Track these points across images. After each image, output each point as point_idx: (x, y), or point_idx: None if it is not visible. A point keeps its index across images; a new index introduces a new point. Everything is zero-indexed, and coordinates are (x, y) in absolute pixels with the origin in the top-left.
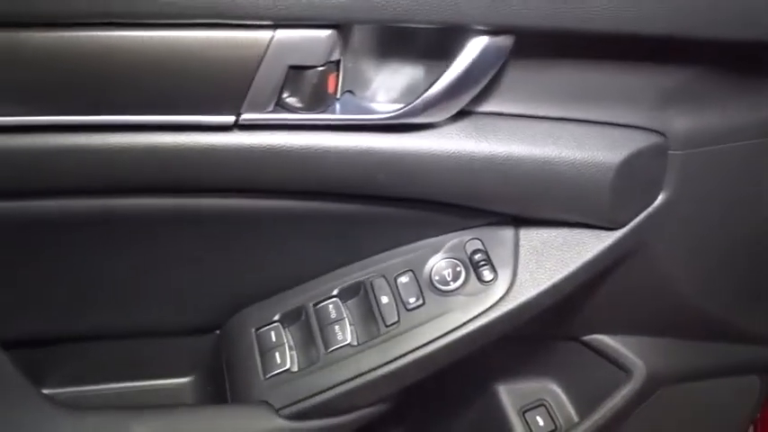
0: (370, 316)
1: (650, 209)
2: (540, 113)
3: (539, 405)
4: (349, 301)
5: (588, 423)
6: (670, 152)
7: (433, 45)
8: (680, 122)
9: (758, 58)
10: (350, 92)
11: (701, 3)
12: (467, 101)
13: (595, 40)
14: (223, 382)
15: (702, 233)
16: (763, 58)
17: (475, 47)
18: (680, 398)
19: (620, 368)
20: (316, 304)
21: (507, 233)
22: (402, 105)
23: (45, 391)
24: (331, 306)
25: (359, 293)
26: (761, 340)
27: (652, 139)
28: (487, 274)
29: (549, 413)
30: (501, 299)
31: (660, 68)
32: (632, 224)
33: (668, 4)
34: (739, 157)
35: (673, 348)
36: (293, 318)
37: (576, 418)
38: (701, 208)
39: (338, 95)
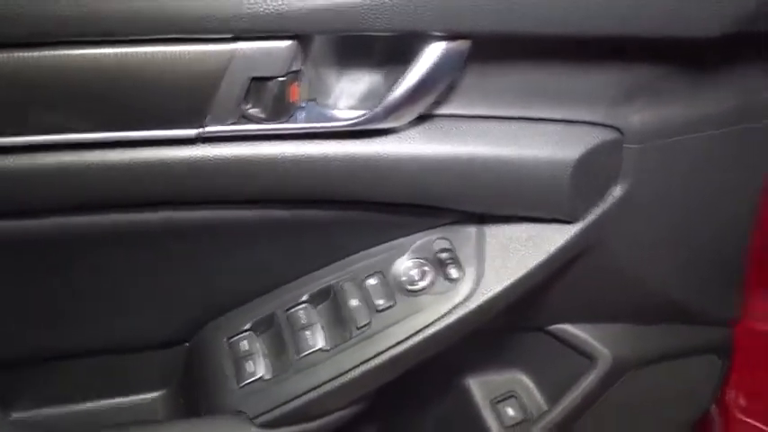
0: (341, 320)
1: (609, 201)
2: (500, 114)
3: (509, 396)
4: (320, 306)
5: (557, 410)
6: (626, 146)
7: (393, 51)
8: (635, 117)
9: (709, 53)
10: (313, 100)
11: (649, 4)
12: (428, 105)
13: (551, 41)
14: (195, 395)
15: (660, 221)
16: (714, 52)
17: (433, 52)
18: (645, 381)
19: (586, 356)
20: (287, 310)
21: (473, 231)
22: (364, 112)
23: (15, 416)
24: (302, 312)
25: (329, 298)
26: (718, 321)
27: (608, 135)
28: (454, 273)
29: (519, 403)
30: (468, 296)
31: (615, 66)
32: (592, 217)
33: (617, 4)
34: (693, 148)
35: (636, 333)
36: (265, 325)
37: (545, 407)
38: (657, 198)
39: (301, 104)
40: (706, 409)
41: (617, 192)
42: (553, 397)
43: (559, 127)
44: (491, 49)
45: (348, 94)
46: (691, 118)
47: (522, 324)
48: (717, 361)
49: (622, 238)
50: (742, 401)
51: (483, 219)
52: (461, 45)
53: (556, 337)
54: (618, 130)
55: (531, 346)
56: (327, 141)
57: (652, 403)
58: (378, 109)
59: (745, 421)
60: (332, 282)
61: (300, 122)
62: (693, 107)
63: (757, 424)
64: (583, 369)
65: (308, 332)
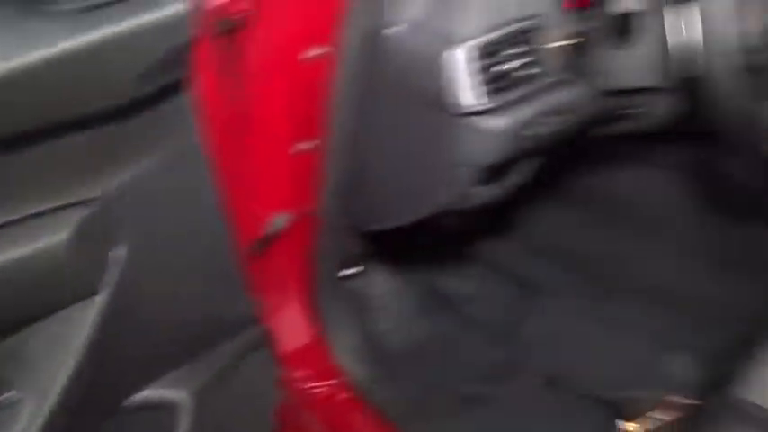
0: None
1: (116, 262)
2: None
3: None
4: None
5: None
6: (112, 208)
7: None
8: (109, 186)
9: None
10: None
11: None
12: None
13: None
14: None
15: (167, 262)
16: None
17: None
18: (227, 400)
19: (171, 409)
20: None
21: (11, 346)
22: None
23: None
24: None
25: None
26: (249, 322)
27: (92, 207)
28: (9, 397)
29: None
30: (34, 412)
31: (76, 144)
32: (110, 281)
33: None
34: (155, 192)
35: (202, 365)
36: None
37: None
38: (153, 242)
39: None
40: (279, 397)
41: (120, 251)
42: None
43: (45, 217)
44: None
45: None
46: (143, 171)
47: (98, 416)
48: (266, 354)
49: (143, 287)
50: (294, 374)
51: (17, 328)
52: None
53: (141, 406)
54: (96, 201)
55: (127, 426)
56: None
57: (241, 414)
58: None
59: (302, 388)
60: None
61: None
62: (143, 162)
63: (311, 384)
64: (173, 421)
65: None
